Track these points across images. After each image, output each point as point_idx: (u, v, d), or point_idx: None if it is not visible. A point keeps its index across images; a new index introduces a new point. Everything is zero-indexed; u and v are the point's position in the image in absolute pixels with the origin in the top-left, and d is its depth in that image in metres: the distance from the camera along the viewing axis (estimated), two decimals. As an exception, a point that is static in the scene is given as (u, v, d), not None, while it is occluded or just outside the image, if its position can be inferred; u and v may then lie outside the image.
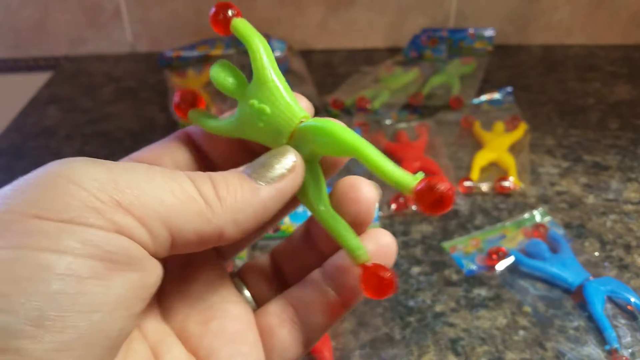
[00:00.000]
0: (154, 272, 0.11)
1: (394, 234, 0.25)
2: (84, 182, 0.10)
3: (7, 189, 0.11)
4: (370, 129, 0.43)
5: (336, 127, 0.13)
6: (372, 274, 0.13)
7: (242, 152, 0.15)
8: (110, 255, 0.10)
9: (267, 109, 0.14)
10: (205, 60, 0.55)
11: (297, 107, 0.14)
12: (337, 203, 0.14)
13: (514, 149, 0.40)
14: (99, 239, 0.10)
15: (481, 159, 0.39)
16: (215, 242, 0.12)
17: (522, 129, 0.42)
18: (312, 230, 0.16)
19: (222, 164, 0.15)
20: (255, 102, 0.14)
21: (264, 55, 0.14)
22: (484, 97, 0.47)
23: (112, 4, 0.58)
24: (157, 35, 0.60)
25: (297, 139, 0.14)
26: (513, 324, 0.27)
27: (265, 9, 0.59)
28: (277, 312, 0.15)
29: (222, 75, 0.15)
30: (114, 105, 0.51)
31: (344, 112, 0.47)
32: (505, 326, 0.27)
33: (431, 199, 0.12)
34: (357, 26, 0.61)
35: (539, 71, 0.56)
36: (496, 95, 0.47)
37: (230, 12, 0.14)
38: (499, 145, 0.40)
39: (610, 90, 0.51)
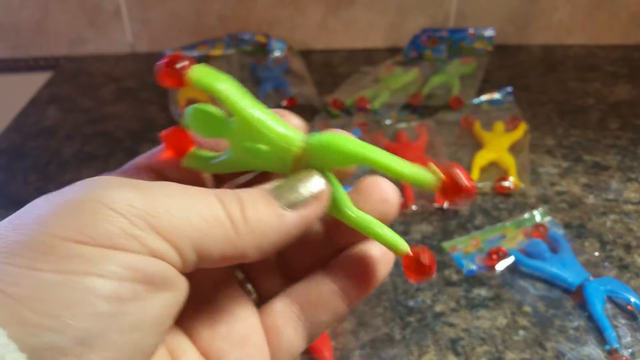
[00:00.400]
0: (184, 290, 0.12)
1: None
2: (122, 208, 0.11)
3: (47, 211, 0.11)
4: (370, 129, 0.43)
5: (340, 141, 0.13)
6: (414, 260, 0.14)
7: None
8: (148, 277, 0.11)
9: (262, 147, 0.14)
10: (205, 61, 0.55)
11: (291, 132, 0.14)
12: (363, 204, 0.14)
13: (514, 149, 0.40)
14: (138, 263, 0.11)
15: (481, 158, 0.39)
16: (237, 262, 0.13)
17: (522, 129, 0.42)
18: (328, 223, 0.16)
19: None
20: (247, 144, 0.14)
21: (235, 96, 0.13)
22: (484, 97, 0.47)
23: (112, 4, 0.58)
24: (157, 35, 0.60)
25: (303, 161, 0.14)
26: (513, 324, 0.27)
27: (265, 9, 0.59)
28: (283, 311, 0.15)
29: (199, 124, 0.14)
30: (114, 105, 0.51)
31: (344, 112, 0.47)
32: (505, 326, 0.27)
33: (456, 193, 0.12)
34: (357, 26, 0.61)
35: (539, 71, 0.56)
36: (496, 95, 0.47)
37: (179, 65, 0.13)
38: (499, 145, 0.40)
39: (610, 90, 0.51)
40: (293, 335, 0.15)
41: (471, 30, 0.57)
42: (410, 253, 0.14)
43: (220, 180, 0.16)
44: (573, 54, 0.60)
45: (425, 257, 0.14)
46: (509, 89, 0.48)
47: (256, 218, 0.12)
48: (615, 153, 0.41)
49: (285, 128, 0.14)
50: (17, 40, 0.60)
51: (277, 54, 0.56)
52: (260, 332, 0.15)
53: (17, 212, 0.12)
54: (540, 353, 0.26)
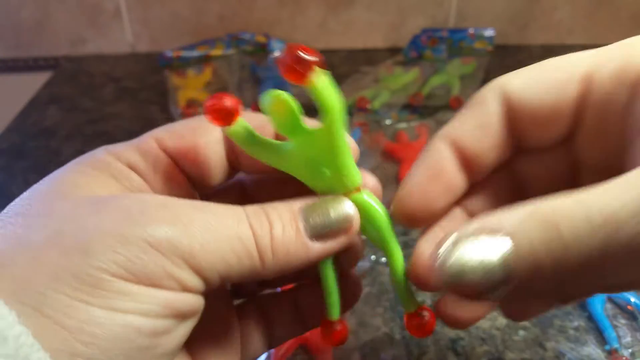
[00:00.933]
0: (202, 310, 0.13)
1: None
2: (164, 247, 0.12)
3: (91, 235, 0.11)
4: (370, 129, 0.43)
5: (382, 219, 0.14)
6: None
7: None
8: (181, 312, 0.12)
9: (328, 173, 0.14)
10: (206, 60, 0.55)
11: (357, 175, 0.14)
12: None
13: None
14: (174, 300, 0.12)
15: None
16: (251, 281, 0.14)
17: (522, 129, 0.42)
18: None
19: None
20: (314, 158, 0.14)
21: (339, 118, 0.13)
22: (484, 97, 0.47)
23: (112, 4, 0.58)
24: (157, 35, 0.60)
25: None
26: (513, 324, 0.27)
27: (265, 9, 0.59)
28: (254, 317, 0.16)
29: (277, 111, 0.14)
30: (114, 105, 0.51)
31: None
32: (505, 326, 0.27)
33: (415, 327, 0.15)
34: (357, 26, 0.61)
35: (539, 71, 0.56)
36: (496, 95, 0.47)
37: (309, 57, 0.12)
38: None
39: (610, 90, 0.51)
40: (258, 343, 0.16)
41: (471, 31, 0.57)
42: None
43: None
44: (573, 54, 0.60)
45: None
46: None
47: (284, 250, 0.13)
48: (615, 153, 0.41)
49: (355, 171, 0.14)
50: (17, 40, 0.60)
51: (277, 54, 0.56)
52: (237, 333, 0.16)
53: (53, 215, 0.12)
54: (540, 353, 0.26)
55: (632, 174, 0.10)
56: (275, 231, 0.13)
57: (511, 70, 0.15)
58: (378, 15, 0.60)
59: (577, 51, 0.15)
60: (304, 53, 0.12)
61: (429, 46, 0.55)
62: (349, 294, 0.16)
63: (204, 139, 0.15)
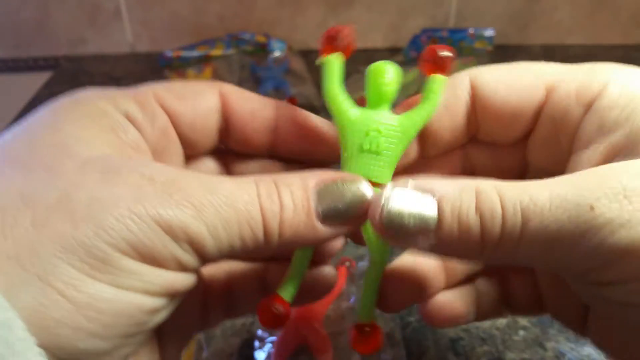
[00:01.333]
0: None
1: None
2: (174, 232, 0.11)
3: (101, 206, 0.11)
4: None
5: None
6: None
7: (267, 129, 0.16)
8: (177, 290, 0.12)
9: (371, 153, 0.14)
10: (206, 60, 0.55)
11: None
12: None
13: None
14: (175, 280, 0.12)
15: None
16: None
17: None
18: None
19: (243, 122, 0.16)
20: (368, 139, 0.14)
21: (427, 119, 0.14)
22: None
23: (112, 4, 0.58)
24: (157, 35, 0.60)
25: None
26: (513, 324, 0.27)
27: (265, 9, 0.59)
28: (218, 287, 0.17)
29: (380, 81, 0.15)
30: (114, 105, 0.51)
31: (344, 112, 0.47)
32: (505, 326, 0.27)
33: (360, 340, 0.15)
34: (357, 26, 0.61)
35: (539, 71, 0.56)
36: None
37: (443, 54, 0.14)
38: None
39: (610, 90, 0.51)
40: (219, 314, 0.17)
41: (471, 31, 0.57)
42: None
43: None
44: (573, 54, 0.60)
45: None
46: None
47: (291, 232, 0.13)
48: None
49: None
50: (17, 40, 0.60)
51: (277, 54, 0.56)
52: (199, 303, 0.16)
53: (61, 174, 0.11)
54: (540, 353, 0.26)
55: (570, 176, 0.12)
56: (286, 213, 0.12)
57: None
58: (378, 15, 0.60)
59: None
60: (443, 51, 0.14)
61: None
62: (319, 284, 0.16)
63: (204, 104, 0.15)
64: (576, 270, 0.12)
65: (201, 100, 0.15)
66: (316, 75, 0.55)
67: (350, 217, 0.13)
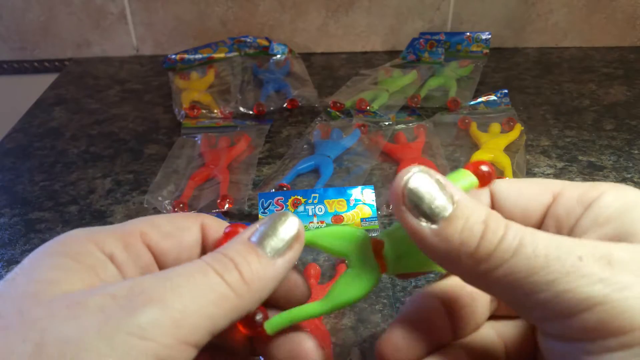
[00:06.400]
0: None
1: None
2: (152, 335, 0.12)
3: (79, 336, 0.11)
4: (369, 130, 0.44)
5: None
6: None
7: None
8: None
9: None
10: (209, 63, 0.56)
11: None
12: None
13: (509, 149, 0.41)
14: None
15: (478, 159, 0.40)
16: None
17: (517, 130, 0.43)
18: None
19: None
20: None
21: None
22: (481, 99, 0.48)
23: (117, 8, 0.59)
24: (161, 38, 0.61)
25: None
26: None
27: (267, 13, 0.60)
28: None
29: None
30: (118, 107, 0.52)
31: (344, 114, 0.48)
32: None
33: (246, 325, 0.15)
34: (356, 30, 0.62)
35: (534, 73, 0.57)
36: (492, 97, 0.48)
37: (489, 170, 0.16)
38: (495, 146, 0.41)
39: (605, 92, 0.52)
40: None
41: (468, 34, 0.58)
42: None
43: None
44: (569, 56, 0.61)
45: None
46: (505, 90, 0.49)
47: (254, 277, 0.14)
48: (610, 153, 0.41)
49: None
50: (23, 42, 0.61)
51: (278, 56, 0.57)
52: None
53: (30, 324, 0.12)
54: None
55: (551, 238, 0.13)
56: (241, 266, 0.13)
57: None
58: (377, 19, 0.61)
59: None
60: (486, 167, 0.16)
61: (426, 49, 0.56)
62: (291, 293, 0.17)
63: (189, 239, 0.16)
64: (541, 313, 0.13)
65: (186, 236, 0.16)
66: (316, 77, 0.56)
67: (293, 242, 0.15)
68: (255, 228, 0.15)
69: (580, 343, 0.12)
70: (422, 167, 0.14)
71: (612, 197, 0.15)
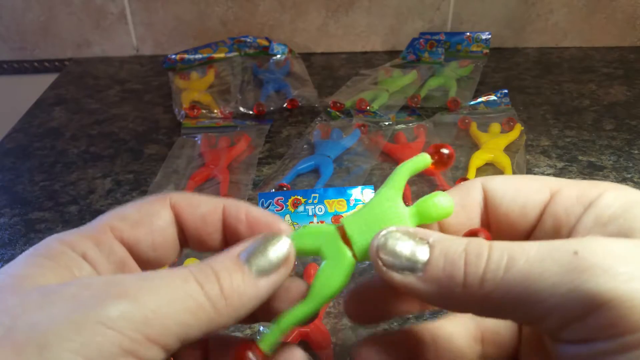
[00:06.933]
0: None
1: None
2: (119, 325, 0.12)
3: (48, 324, 0.11)
4: (369, 130, 0.44)
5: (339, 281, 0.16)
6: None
7: (218, 229, 0.16)
8: None
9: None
10: (209, 63, 0.56)
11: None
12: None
13: (510, 149, 0.41)
14: None
15: (478, 159, 0.40)
16: (214, 334, 0.14)
17: (517, 130, 0.43)
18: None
19: (196, 229, 0.17)
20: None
21: None
22: (481, 99, 0.48)
23: (117, 8, 0.59)
24: (161, 38, 0.61)
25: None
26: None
27: (267, 13, 0.60)
28: None
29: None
30: (118, 107, 0.52)
31: (344, 114, 0.48)
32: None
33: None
34: (356, 30, 0.62)
35: (534, 73, 0.57)
36: (492, 97, 0.48)
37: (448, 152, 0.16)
38: (495, 146, 0.41)
39: (605, 92, 0.52)
40: None
41: (468, 34, 0.58)
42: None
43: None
44: (568, 56, 0.61)
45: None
46: (505, 90, 0.49)
47: (234, 293, 0.13)
48: (610, 153, 0.41)
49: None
50: (23, 42, 0.61)
51: (278, 56, 0.57)
52: None
53: (3, 311, 0.12)
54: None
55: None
56: (223, 280, 0.13)
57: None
58: (377, 19, 0.61)
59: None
60: (446, 150, 0.16)
61: (426, 49, 0.56)
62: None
63: (159, 223, 0.16)
64: (554, 321, 0.12)
65: (156, 220, 0.16)
66: (317, 77, 0.56)
67: (281, 265, 0.15)
68: (248, 244, 0.15)
69: (598, 343, 0.12)
70: (389, 228, 0.14)
71: (613, 196, 0.14)
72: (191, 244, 0.17)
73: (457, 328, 0.18)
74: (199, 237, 0.16)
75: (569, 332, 0.12)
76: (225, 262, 0.14)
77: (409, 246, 0.14)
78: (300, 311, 0.15)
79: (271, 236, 0.15)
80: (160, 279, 0.13)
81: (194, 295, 0.13)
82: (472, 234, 0.15)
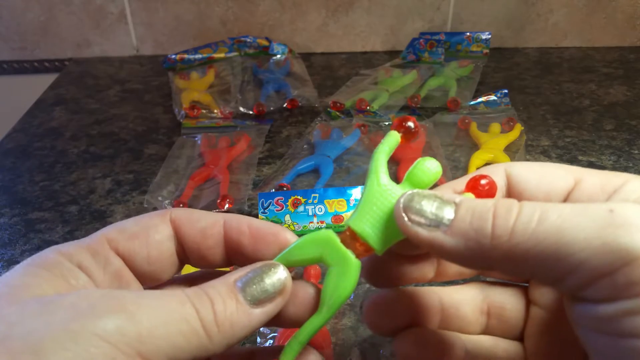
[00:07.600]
0: None
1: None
2: (114, 338, 0.12)
3: (43, 334, 0.11)
4: (369, 130, 0.44)
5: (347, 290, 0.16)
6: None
7: (219, 244, 0.16)
8: None
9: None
10: (209, 63, 0.56)
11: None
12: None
13: (509, 149, 0.41)
14: None
15: (477, 159, 0.40)
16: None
17: (517, 130, 0.43)
18: None
19: (196, 243, 0.17)
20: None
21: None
22: (481, 99, 0.48)
23: (117, 8, 0.59)
24: (161, 38, 0.61)
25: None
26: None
27: (267, 13, 0.60)
28: None
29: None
30: (118, 107, 0.52)
31: (344, 114, 0.48)
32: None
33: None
34: (356, 30, 0.62)
35: (534, 73, 0.57)
36: (492, 97, 0.48)
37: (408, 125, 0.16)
38: (495, 146, 0.41)
39: (605, 92, 0.52)
40: None
41: (468, 34, 0.58)
42: None
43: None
44: (568, 56, 0.61)
45: None
46: (505, 90, 0.49)
47: (227, 321, 0.13)
48: (610, 153, 0.41)
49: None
50: (23, 42, 0.61)
51: (278, 56, 0.57)
52: None
53: (1, 320, 0.12)
54: None
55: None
56: (217, 306, 0.13)
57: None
58: (377, 19, 0.61)
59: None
60: (411, 122, 0.16)
61: (426, 49, 0.56)
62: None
63: (156, 237, 0.16)
64: (581, 276, 0.12)
65: (154, 234, 0.16)
66: (317, 77, 0.56)
67: (276, 295, 0.15)
68: (245, 272, 0.15)
69: (624, 301, 0.11)
70: (412, 190, 0.14)
71: (637, 184, 0.14)
72: (191, 260, 0.17)
73: (466, 297, 0.18)
74: (199, 252, 0.16)
75: (594, 289, 0.12)
76: (221, 289, 0.14)
77: (435, 204, 0.14)
78: (317, 322, 0.15)
79: (268, 265, 0.15)
80: (158, 299, 0.13)
81: (189, 319, 0.13)
82: (475, 180, 0.15)
